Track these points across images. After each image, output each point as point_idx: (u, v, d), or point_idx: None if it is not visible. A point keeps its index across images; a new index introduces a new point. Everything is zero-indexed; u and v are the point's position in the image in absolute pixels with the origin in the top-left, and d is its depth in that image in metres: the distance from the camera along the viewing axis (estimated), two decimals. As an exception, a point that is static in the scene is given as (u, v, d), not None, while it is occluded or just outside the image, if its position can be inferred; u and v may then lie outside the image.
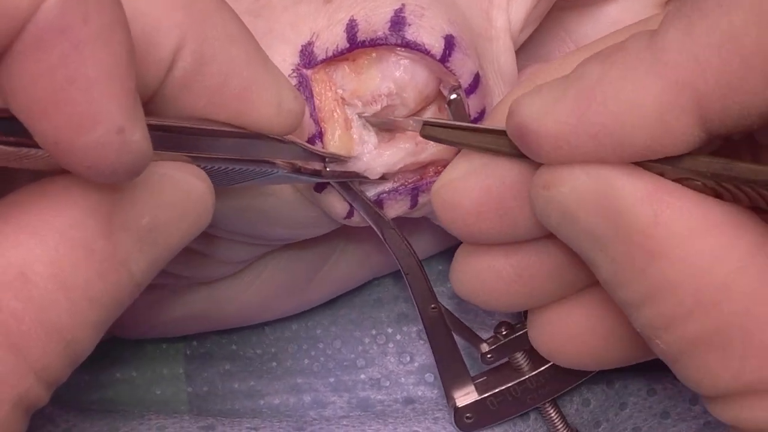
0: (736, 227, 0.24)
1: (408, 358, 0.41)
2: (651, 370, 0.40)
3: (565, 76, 0.26)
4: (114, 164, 0.21)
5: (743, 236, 0.24)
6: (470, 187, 0.29)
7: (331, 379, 0.41)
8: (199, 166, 0.26)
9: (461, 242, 0.32)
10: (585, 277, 0.30)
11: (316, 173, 0.31)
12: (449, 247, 0.42)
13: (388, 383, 0.41)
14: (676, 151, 0.25)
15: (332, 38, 0.32)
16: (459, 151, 0.32)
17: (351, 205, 0.33)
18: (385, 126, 0.33)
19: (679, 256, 0.24)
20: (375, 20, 0.31)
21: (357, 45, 0.32)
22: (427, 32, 0.31)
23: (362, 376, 0.41)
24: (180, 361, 0.41)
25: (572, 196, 0.26)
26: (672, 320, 0.25)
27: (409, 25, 0.31)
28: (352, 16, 0.32)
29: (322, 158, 0.32)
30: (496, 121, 0.30)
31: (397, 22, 0.31)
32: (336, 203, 0.33)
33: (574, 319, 0.31)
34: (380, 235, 0.34)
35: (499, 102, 0.32)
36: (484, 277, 0.31)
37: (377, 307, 0.42)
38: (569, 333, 0.32)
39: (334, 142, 0.32)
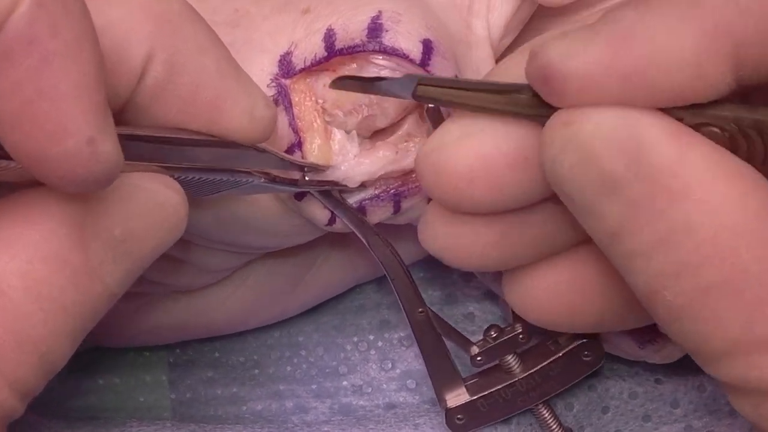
0: (754, 179, 0.24)
1: (390, 365, 0.41)
2: (632, 375, 0.40)
3: (594, 22, 0.25)
4: (85, 174, 0.22)
5: (760, 188, 0.24)
6: (463, 152, 0.28)
7: (314, 386, 0.41)
8: (172, 176, 0.27)
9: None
10: (562, 244, 0.30)
11: (293, 182, 0.31)
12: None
13: (369, 389, 0.41)
14: (706, 97, 0.25)
15: (310, 47, 0.32)
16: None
17: (332, 212, 0.33)
18: (358, 90, 0.32)
19: (701, 198, 0.24)
20: (352, 28, 0.32)
21: (335, 53, 0.32)
22: (405, 37, 0.32)
23: (344, 383, 0.41)
24: (163, 368, 0.41)
25: (596, 132, 0.25)
26: (686, 267, 0.24)
27: (387, 30, 0.32)
28: (330, 25, 0.32)
29: (300, 167, 0.32)
30: (499, 78, 0.29)
31: (375, 28, 0.32)
32: (317, 211, 0.33)
33: (550, 280, 0.31)
34: (364, 241, 0.34)
35: (497, 65, 0.31)
36: (463, 240, 0.30)
37: (359, 314, 0.42)
38: (545, 293, 0.31)
39: (313, 152, 0.33)
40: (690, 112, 0.25)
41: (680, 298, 0.25)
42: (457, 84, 0.28)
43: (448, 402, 0.36)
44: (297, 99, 0.33)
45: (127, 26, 0.25)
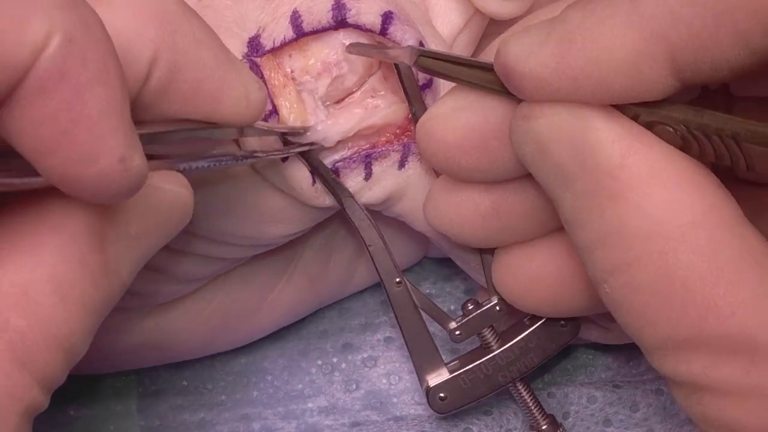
0: (696, 184, 0.25)
1: (354, 386, 0.42)
2: (592, 380, 0.41)
3: (551, 19, 0.27)
4: (117, 189, 0.23)
5: (701, 194, 0.25)
6: (454, 123, 0.30)
7: (280, 408, 0.42)
8: (177, 169, 0.28)
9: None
10: (556, 220, 0.31)
11: (276, 151, 0.33)
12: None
13: (335, 410, 0.42)
14: (652, 96, 0.26)
15: (278, 30, 0.34)
16: (409, 114, 0.34)
17: (313, 174, 0.35)
18: (366, 53, 0.34)
19: (636, 202, 0.25)
20: (317, 9, 0.34)
21: (303, 35, 0.34)
22: (366, 13, 0.34)
23: (310, 405, 0.42)
24: (133, 397, 0.42)
25: (548, 128, 0.27)
26: (619, 265, 0.26)
27: (349, 9, 0.34)
28: (295, 8, 0.34)
29: (282, 134, 0.34)
30: (489, 58, 0.31)
31: (338, 8, 0.34)
32: (299, 174, 0.35)
33: (538, 262, 0.33)
34: (339, 204, 0.35)
35: (495, 41, 0.33)
36: (462, 209, 0.32)
37: (323, 339, 0.43)
38: (532, 275, 0.33)
39: (290, 114, 0.34)
40: (646, 110, 0.26)
41: (616, 294, 0.26)
42: (453, 59, 0.31)
43: (429, 381, 0.36)
44: (269, 73, 0.34)
45: (131, 31, 0.26)
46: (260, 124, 0.32)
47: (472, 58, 0.31)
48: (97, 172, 0.22)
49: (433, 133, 0.31)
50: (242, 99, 0.29)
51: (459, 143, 0.31)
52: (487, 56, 0.31)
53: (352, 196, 0.35)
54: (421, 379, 0.37)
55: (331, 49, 0.34)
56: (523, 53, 0.27)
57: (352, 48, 0.34)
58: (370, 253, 0.36)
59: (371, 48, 0.34)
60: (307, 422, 0.41)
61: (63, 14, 0.21)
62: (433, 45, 0.35)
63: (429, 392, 0.36)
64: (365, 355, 0.43)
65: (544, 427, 0.37)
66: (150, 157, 0.25)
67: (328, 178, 0.35)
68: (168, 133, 0.27)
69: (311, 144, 0.34)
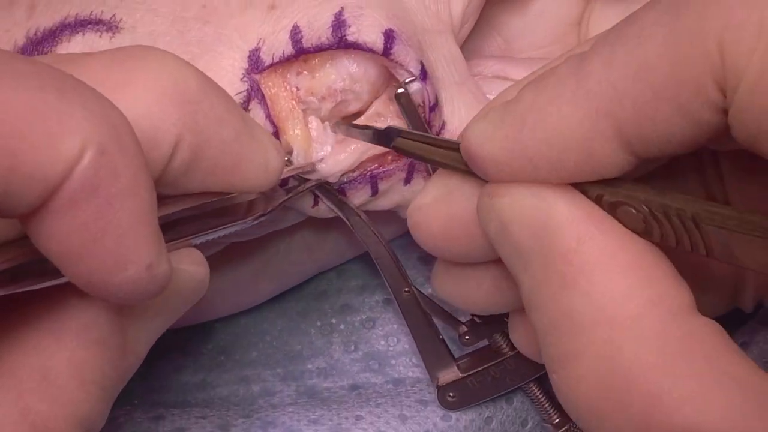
0: (647, 273, 0.25)
1: (352, 347, 0.42)
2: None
3: (508, 101, 0.27)
4: (143, 294, 0.23)
5: (650, 283, 0.25)
6: (437, 213, 0.30)
7: (279, 370, 0.42)
8: (191, 245, 0.28)
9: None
10: None
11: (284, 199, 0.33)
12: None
13: (334, 372, 0.42)
14: (609, 173, 0.25)
15: (277, 44, 0.33)
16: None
17: (316, 196, 0.35)
18: (349, 134, 0.34)
19: (586, 289, 0.25)
20: (317, 26, 0.33)
21: (302, 51, 0.33)
22: (367, 30, 0.33)
23: (309, 366, 0.42)
24: (133, 358, 0.43)
25: (510, 207, 0.27)
26: (567, 354, 0.25)
27: (349, 26, 0.33)
28: (296, 23, 0.33)
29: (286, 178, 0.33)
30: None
31: (338, 25, 0.33)
32: (301, 198, 0.35)
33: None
34: (347, 223, 0.35)
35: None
36: (464, 287, 0.32)
37: (321, 300, 0.43)
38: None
39: (295, 137, 0.34)
40: (609, 189, 0.26)
41: (564, 384, 0.26)
42: (430, 141, 0.31)
43: (439, 379, 0.37)
44: (272, 91, 0.34)
45: (154, 116, 0.25)
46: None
47: (447, 139, 0.31)
48: (124, 279, 0.23)
49: (419, 225, 0.31)
50: (261, 169, 0.29)
51: (444, 233, 0.30)
52: None
53: (358, 214, 0.35)
54: (432, 376, 0.37)
55: (338, 75, 0.34)
56: (481, 137, 0.27)
57: (337, 128, 0.34)
58: (378, 265, 0.36)
59: (355, 128, 0.34)
60: (306, 384, 0.42)
61: (96, 126, 0.21)
62: (438, 66, 0.35)
63: (439, 390, 0.37)
64: (364, 317, 0.43)
65: (556, 421, 0.38)
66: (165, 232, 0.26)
67: (333, 199, 0.35)
68: (186, 211, 0.28)
69: (317, 182, 0.34)
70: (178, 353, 0.43)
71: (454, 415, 0.38)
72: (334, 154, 0.34)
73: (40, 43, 0.33)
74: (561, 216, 0.26)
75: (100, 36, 0.33)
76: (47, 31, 0.33)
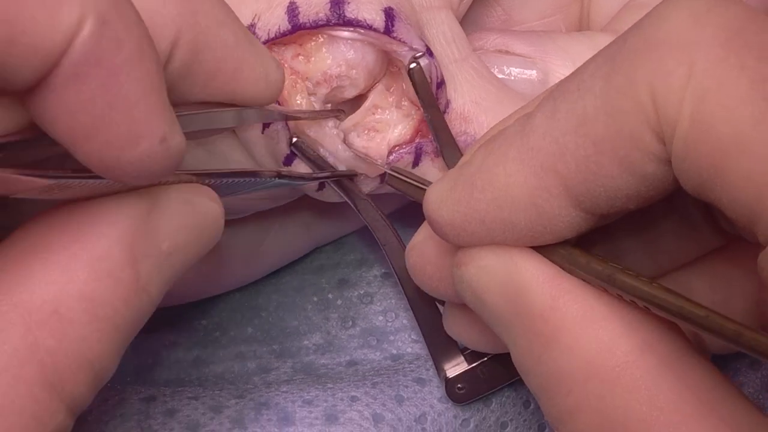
0: (628, 321, 0.24)
1: (350, 323, 0.41)
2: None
3: (462, 164, 0.27)
4: (158, 169, 0.22)
5: (635, 332, 0.24)
6: (429, 252, 0.30)
7: (275, 346, 0.41)
8: (205, 183, 0.27)
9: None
10: None
11: (301, 177, 0.33)
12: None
13: (331, 348, 0.41)
14: (563, 232, 0.25)
15: (273, 20, 0.32)
16: (418, 121, 0.34)
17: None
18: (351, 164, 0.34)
19: (568, 344, 0.24)
20: (315, 1, 0.32)
21: (299, 27, 0.32)
22: (366, 7, 0.32)
23: (305, 342, 0.41)
24: (125, 334, 0.42)
25: (478, 276, 0.26)
26: (562, 413, 0.25)
27: (348, 3, 0.32)
28: None
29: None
30: None
31: (337, 1, 0.32)
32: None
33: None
34: (354, 208, 0.35)
35: None
36: (471, 331, 0.32)
37: (318, 274, 0.42)
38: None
39: (301, 107, 0.33)
40: (564, 256, 0.25)
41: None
42: (418, 181, 0.31)
43: (447, 372, 0.36)
44: None
45: (152, 11, 0.24)
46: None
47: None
48: (138, 154, 0.22)
49: (415, 266, 0.31)
50: (261, 79, 0.28)
51: (437, 273, 0.30)
52: None
53: (366, 198, 0.34)
54: (439, 368, 0.37)
55: (334, 61, 0.33)
56: (437, 200, 0.27)
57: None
58: (385, 252, 0.35)
59: (359, 158, 0.34)
60: (302, 361, 0.41)
61: None
62: (436, 44, 0.34)
63: (447, 383, 0.36)
64: (361, 291, 0.42)
65: None
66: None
67: (341, 183, 0.34)
68: (194, 114, 0.27)
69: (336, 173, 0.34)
70: (171, 329, 0.42)
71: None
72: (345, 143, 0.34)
73: None
74: (530, 276, 0.25)
75: None
76: None
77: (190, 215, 0.26)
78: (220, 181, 0.28)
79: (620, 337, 0.24)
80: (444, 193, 0.26)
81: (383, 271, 0.42)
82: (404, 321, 0.41)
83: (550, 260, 0.26)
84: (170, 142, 0.22)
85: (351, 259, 0.42)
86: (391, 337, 0.41)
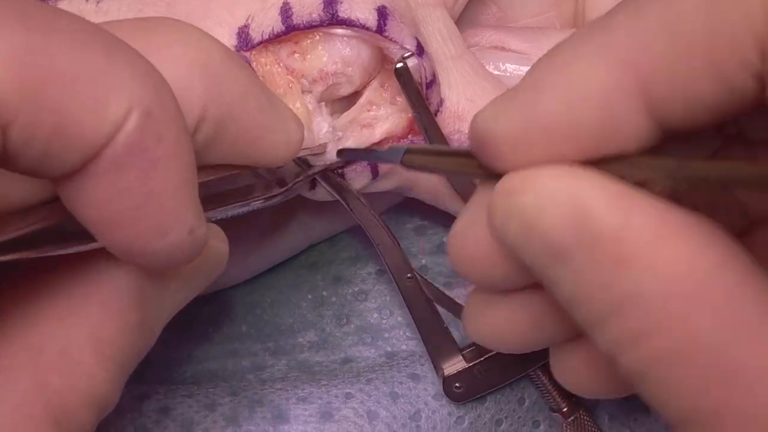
0: (705, 235, 0.23)
1: (345, 320, 0.41)
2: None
3: (517, 85, 0.25)
4: (183, 259, 0.23)
5: (712, 245, 0.23)
6: (476, 236, 0.28)
7: (270, 344, 0.41)
8: (210, 219, 0.27)
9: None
10: None
11: (284, 183, 0.32)
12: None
13: (326, 345, 0.41)
14: (627, 142, 0.24)
15: (267, 21, 0.32)
16: (410, 115, 0.33)
17: (313, 181, 0.34)
18: (355, 158, 0.33)
19: (648, 264, 0.23)
20: (308, 2, 0.32)
21: (293, 28, 0.32)
22: (359, 7, 0.32)
23: (300, 340, 0.41)
24: (118, 331, 0.41)
25: (535, 203, 0.24)
26: (637, 335, 0.23)
27: (341, 2, 0.32)
28: None
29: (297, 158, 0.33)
30: None
31: (330, 2, 0.32)
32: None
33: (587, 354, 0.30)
34: (346, 207, 0.34)
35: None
36: (501, 329, 0.30)
37: (313, 272, 0.42)
38: (590, 369, 0.30)
39: (295, 111, 0.32)
40: (629, 167, 0.24)
41: (635, 366, 0.24)
42: (439, 151, 0.29)
43: (445, 370, 0.36)
44: (266, 68, 0.33)
45: (180, 89, 0.24)
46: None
47: (457, 148, 0.30)
48: (165, 244, 0.22)
49: (460, 251, 0.28)
50: (283, 141, 0.28)
51: (487, 258, 0.28)
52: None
53: (358, 197, 0.34)
54: (437, 366, 0.36)
55: (330, 58, 0.33)
56: (491, 117, 0.25)
57: (339, 154, 0.33)
58: (379, 251, 0.35)
59: (362, 152, 0.33)
60: (297, 359, 0.41)
61: (142, 87, 0.20)
62: (432, 41, 0.34)
63: (445, 381, 0.36)
64: (356, 289, 0.42)
65: (564, 409, 0.37)
66: None
67: (332, 183, 0.34)
68: (209, 182, 0.27)
69: (321, 167, 0.33)
70: (164, 327, 0.41)
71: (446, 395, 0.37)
72: (337, 142, 0.34)
73: None
74: (596, 198, 0.23)
75: (87, 0, 0.32)
76: None
77: (200, 258, 0.26)
78: (222, 214, 0.28)
79: (699, 254, 0.23)
80: (501, 107, 0.25)
81: (378, 268, 0.42)
82: (399, 318, 0.41)
83: (612, 174, 0.24)
84: (197, 232, 0.23)
85: (345, 256, 0.42)
86: (386, 335, 0.41)
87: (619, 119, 0.23)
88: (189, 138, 0.22)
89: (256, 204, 0.30)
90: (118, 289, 0.24)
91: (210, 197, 0.27)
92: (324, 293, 0.42)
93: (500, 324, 0.30)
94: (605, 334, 0.24)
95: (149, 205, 0.21)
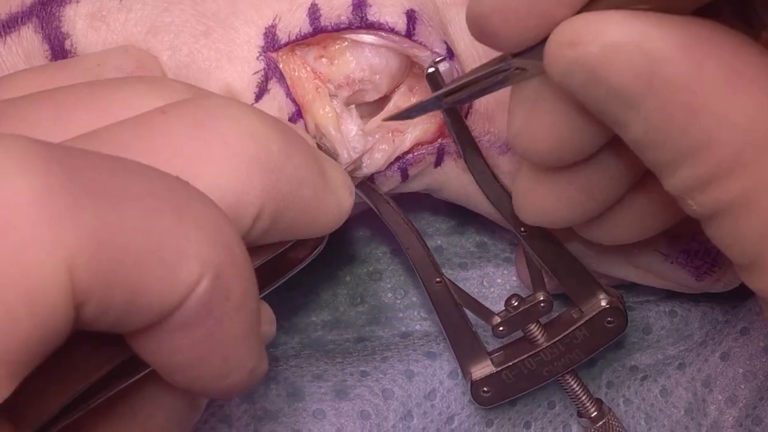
0: None
1: (359, 300, 0.41)
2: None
3: None
4: (241, 393, 0.24)
5: None
6: (538, 125, 0.28)
7: (284, 322, 0.41)
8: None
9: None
10: (640, 173, 0.29)
11: None
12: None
13: (339, 325, 0.41)
14: None
15: (294, 22, 0.32)
16: (440, 120, 0.33)
17: None
18: (400, 118, 0.32)
19: (721, 112, 0.23)
20: (337, 4, 0.32)
21: (320, 30, 0.32)
22: (389, 10, 0.32)
23: (313, 319, 0.41)
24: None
25: (602, 53, 0.24)
26: (711, 178, 0.24)
27: (370, 6, 0.31)
28: (314, 0, 0.32)
29: None
30: None
31: (359, 4, 0.31)
32: None
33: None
34: (376, 210, 0.34)
35: None
36: (550, 205, 0.30)
37: (326, 250, 0.41)
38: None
39: (325, 115, 0.33)
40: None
41: (705, 209, 0.24)
42: (473, 78, 0.28)
43: (473, 374, 0.36)
44: (294, 74, 0.33)
45: (238, 190, 0.24)
46: None
47: (482, 65, 0.28)
48: (226, 385, 0.23)
49: (520, 144, 0.28)
50: (335, 213, 0.28)
51: (543, 140, 0.28)
52: None
53: (388, 201, 0.34)
54: (465, 371, 0.36)
55: (358, 65, 0.33)
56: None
57: (378, 130, 0.33)
58: (408, 255, 0.35)
59: (406, 111, 0.31)
60: (310, 337, 0.41)
61: (213, 249, 0.21)
62: (460, 41, 0.34)
63: (473, 386, 0.36)
64: (370, 268, 0.41)
65: (593, 414, 0.37)
66: None
67: (361, 185, 0.34)
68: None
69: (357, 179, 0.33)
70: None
71: (460, 372, 0.37)
72: (370, 153, 0.34)
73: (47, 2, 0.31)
74: (665, 44, 0.23)
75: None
76: None
77: None
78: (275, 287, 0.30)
79: None
80: None
81: (392, 248, 0.42)
82: (413, 298, 0.41)
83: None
84: (257, 371, 0.23)
85: (360, 235, 0.42)
86: (400, 314, 0.41)
87: None
88: (255, 287, 0.23)
89: (301, 266, 0.30)
90: (180, 401, 0.26)
91: (263, 272, 0.27)
92: (338, 272, 0.41)
93: (548, 199, 0.30)
94: (675, 178, 0.25)
95: (213, 356, 0.22)
